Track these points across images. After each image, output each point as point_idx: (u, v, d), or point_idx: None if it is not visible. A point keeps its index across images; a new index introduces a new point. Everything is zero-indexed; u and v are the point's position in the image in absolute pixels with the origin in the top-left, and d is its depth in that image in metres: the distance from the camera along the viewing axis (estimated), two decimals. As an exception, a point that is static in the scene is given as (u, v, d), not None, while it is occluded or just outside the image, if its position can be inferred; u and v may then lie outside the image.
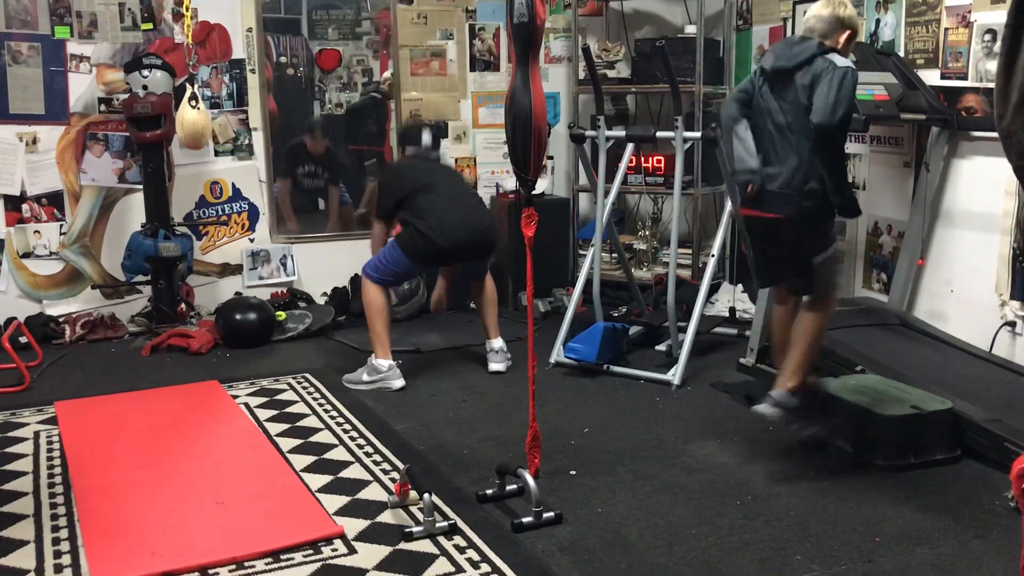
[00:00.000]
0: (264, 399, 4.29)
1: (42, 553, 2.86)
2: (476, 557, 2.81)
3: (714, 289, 5.51)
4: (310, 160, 5.94)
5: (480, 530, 2.96)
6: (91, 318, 5.34)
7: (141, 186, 5.26)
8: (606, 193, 4.86)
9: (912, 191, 4.69)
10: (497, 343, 4.68)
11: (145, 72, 5.05)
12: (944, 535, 2.94)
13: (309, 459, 3.59)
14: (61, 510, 3.15)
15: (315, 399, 4.29)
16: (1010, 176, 3.96)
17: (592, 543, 2.90)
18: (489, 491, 3.22)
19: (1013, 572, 2.64)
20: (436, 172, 4.67)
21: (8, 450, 3.69)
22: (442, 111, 6.09)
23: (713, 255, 4.63)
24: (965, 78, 4.37)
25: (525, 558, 2.79)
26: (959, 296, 4.50)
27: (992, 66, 4.15)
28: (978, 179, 4.39)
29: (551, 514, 3.02)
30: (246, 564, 2.78)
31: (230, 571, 2.75)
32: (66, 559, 2.83)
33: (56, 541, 2.94)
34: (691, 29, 5.80)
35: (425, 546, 2.88)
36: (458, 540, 2.91)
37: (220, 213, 5.67)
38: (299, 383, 4.52)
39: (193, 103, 5.12)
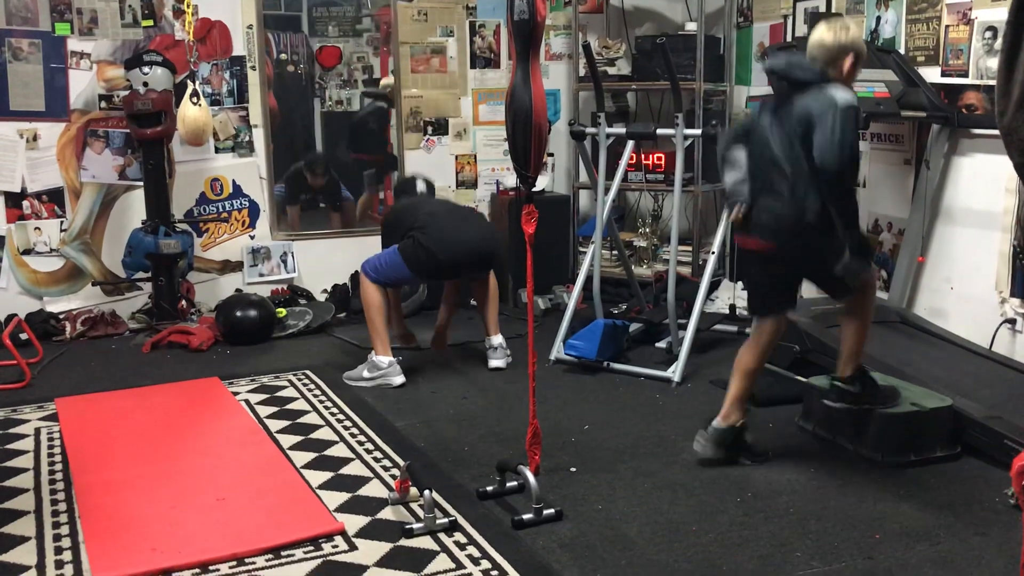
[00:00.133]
0: (264, 396, 4.29)
1: (43, 549, 2.87)
2: (476, 554, 2.81)
3: (714, 286, 5.52)
4: (310, 190, 5.97)
5: (480, 527, 2.97)
6: (92, 315, 5.34)
7: (142, 183, 5.26)
8: (606, 190, 4.86)
9: (912, 188, 4.69)
10: (497, 340, 4.68)
11: (146, 69, 5.05)
12: (944, 532, 2.94)
13: (310, 456, 3.59)
14: (62, 506, 3.16)
15: (315, 396, 4.29)
16: (1010, 173, 3.97)
17: (592, 540, 2.91)
18: (489, 488, 3.22)
19: (1013, 569, 2.64)
20: (436, 200, 4.86)
21: (9, 447, 3.70)
22: (442, 108, 6.09)
23: (713, 252, 4.63)
24: (966, 75, 4.37)
25: (525, 555, 2.79)
26: (959, 293, 4.50)
27: (993, 63, 4.15)
28: (978, 176, 4.39)
29: (551, 511, 3.03)
30: (246, 560, 2.78)
31: (230, 567, 2.75)
32: (67, 555, 2.83)
33: (57, 537, 2.94)
34: (692, 26, 5.81)
35: (425, 543, 2.88)
36: (458, 537, 2.91)
37: (220, 210, 5.67)
38: (299, 380, 4.52)
39: (195, 100, 5.13)
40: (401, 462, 3.33)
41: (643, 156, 5.73)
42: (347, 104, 5.93)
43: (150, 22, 5.38)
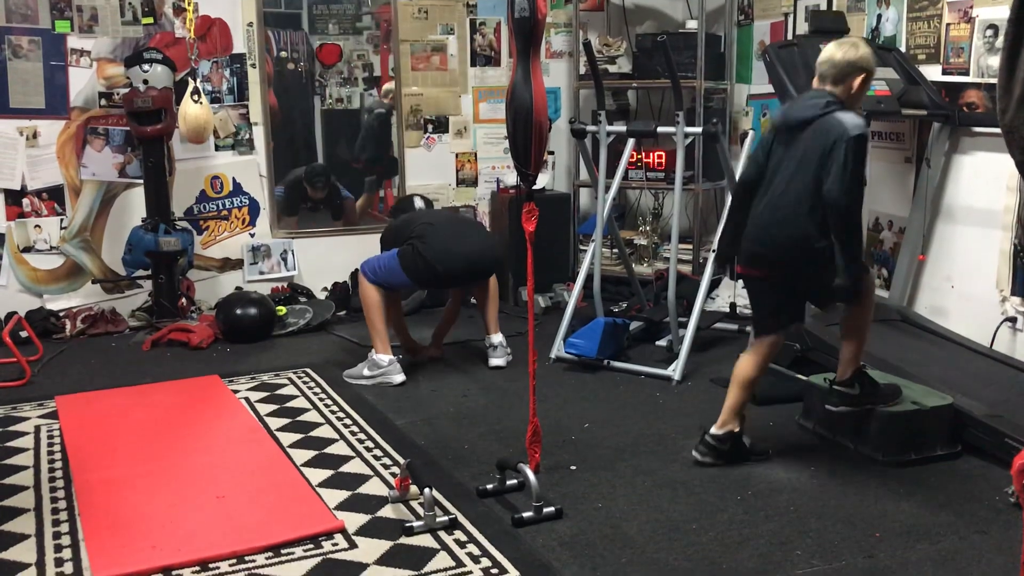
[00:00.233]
0: (265, 394, 4.29)
1: (43, 547, 2.87)
2: (476, 552, 2.81)
3: (715, 285, 5.51)
4: (311, 200, 5.96)
5: (481, 525, 2.96)
6: (92, 313, 5.34)
7: (141, 181, 5.26)
8: (607, 188, 4.85)
9: (913, 187, 4.69)
10: (497, 338, 4.68)
11: (145, 66, 5.05)
12: (944, 531, 2.94)
13: (310, 454, 3.59)
14: (62, 504, 3.16)
15: (316, 394, 4.29)
16: (1011, 172, 3.97)
17: (592, 538, 2.91)
18: (490, 486, 3.22)
19: (1014, 567, 2.64)
20: (434, 212, 4.91)
21: (9, 444, 3.70)
22: (443, 106, 6.09)
23: (713, 251, 4.63)
24: (967, 74, 4.37)
25: (525, 553, 2.79)
26: (960, 292, 4.50)
27: (994, 62, 4.14)
28: (979, 175, 4.39)
29: (551, 509, 3.03)
30: (247, 558, 2.78)
31: (230, 565, 2.75)
32: (67, 553, 2.83)
33: (57, 535, 2.94)
34: (692, 24, 5.80)
35: (425, 541, 2.88)
36: (459, 535, 2.91)
37: (221, 208, 5.67)
38: (300, 378, 4.52)
39: (196, 97, 5.13)
40: (401, 460, 3.33)
41: (644, 154, 5.73)
42: (347, 102, 5.93)
43: (150, 20, 5.37)
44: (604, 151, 4.82)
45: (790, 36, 5.50)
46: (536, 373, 3.32)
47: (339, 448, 3.65)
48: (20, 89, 5.20)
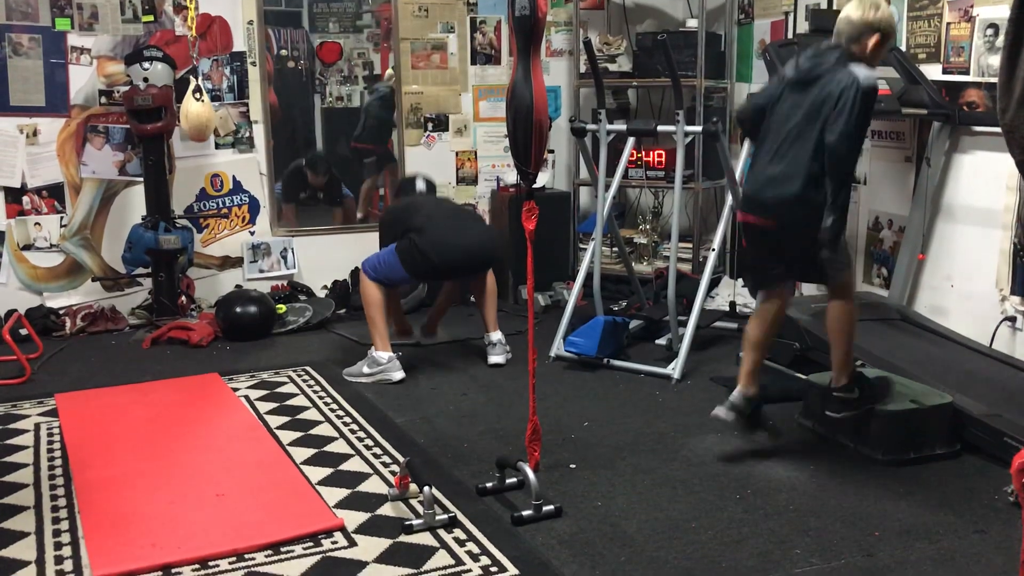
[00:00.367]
0: (264, 392, 4.29)
1: (42, 544, 2.87)
2: (476, 550, 2.81)
3: (714, 283, 5.51)
4: (310, 188, 5.97)
5: (480, 523, 2.97)
6: (91, 310, 5.34)
7: (142, 178, 5.26)
8: (607, 187, 4.85)
9: (913, 186, 4.69)
10: (496, 336, 4.68)
11: (146, 64, 5.05)
12: (944, 530, 2.94)
13: (309, 452, 3.59)
14: (62, 502, 3.16)
15: (315, 392, 4.29)
16: (1011, 171, 3.97)
17: (592, 536, 2.91)
18: (489, 484, 3.22)
19: (1013, 566, 2.64)
20: (435, 200, 4.87)
21: (9, 442, 3.70)
22: (443, 104, 6.09)
23: (713, 249, 4.63)
24: (967, 73, 4.36)
25: (525, 551, 2.79)
26: (959, 291, 4.50)
27: (994, 61, 4.14)
28: (979, 174, 4.39)
29: (551, 507, 3.03)
30: (246, 556, 2.78)
31: (230, 563, 2.75)
32: (66, 551, 2.83)
33: (56, 533, 2.94)
34: (692, 23, 5.80)
35: (425, 539, 2.88)
36: (458, 533, 2.91)
37: (221, 206, 5.67)
38: (299, 376, 4.52)
39: (197, 95, 5.13)
40: (401, 458, 3.33)
41: (644, 153, 5.72)
42: (347, 100, 5.93)
43: (150, 17, 5.37)
44: (604, 150, 4.82)
45: (790, 35, 5.49)
46: (536, 371, 3.32)
47: (339, 446, 3.65)
48: (20, 87, 5.20)
